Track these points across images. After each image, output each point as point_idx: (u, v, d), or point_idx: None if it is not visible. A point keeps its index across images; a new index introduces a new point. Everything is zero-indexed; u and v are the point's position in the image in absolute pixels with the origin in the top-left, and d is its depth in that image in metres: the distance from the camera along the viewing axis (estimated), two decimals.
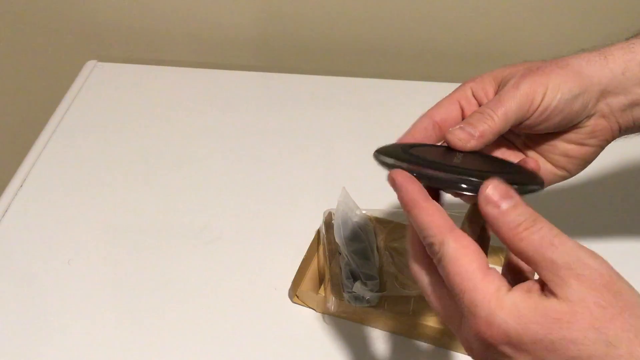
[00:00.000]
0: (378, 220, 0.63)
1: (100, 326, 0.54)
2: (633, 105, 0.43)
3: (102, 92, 0.84)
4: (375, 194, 0.69)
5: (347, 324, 0.55)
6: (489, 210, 0.33)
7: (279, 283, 0.58)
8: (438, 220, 0.34)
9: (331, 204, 0.62)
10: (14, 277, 0.58)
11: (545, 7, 0.89)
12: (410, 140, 0.41)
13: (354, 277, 0.56)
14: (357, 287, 0.55)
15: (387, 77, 0.88)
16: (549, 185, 0.45)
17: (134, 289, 0.57)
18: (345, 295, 0.55)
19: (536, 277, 0.33)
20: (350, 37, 0.94)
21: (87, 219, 0.64)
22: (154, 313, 0.55)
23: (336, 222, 0.59)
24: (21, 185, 0.67)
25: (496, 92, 0.43)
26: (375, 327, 0.55)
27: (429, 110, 0.43)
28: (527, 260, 0.32)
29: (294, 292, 0.57)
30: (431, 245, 0.33)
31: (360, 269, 0.56)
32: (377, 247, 0.60)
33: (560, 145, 0.45)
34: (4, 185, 0.67)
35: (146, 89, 0.85)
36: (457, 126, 0.40)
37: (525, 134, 0.45)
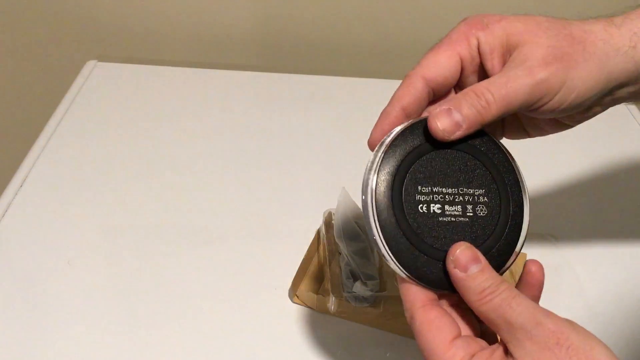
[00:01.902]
0: None
1: (100, 326, 0.54)
2: (637, 93, 0.39)
3: (102, 92, 0.84)
4: None
5: (347, 324, 0.55)
6: (456, 273, 0.33)
7: (279, 283, 0.58)
8: (413, 294, 0.34)
9: (331, 204, 0.62)
10: (14, 277, 0.58)
11: (546, 7, 0.89)
12: (398, 109, 0.37)
13: (354, 277, 0.56)
14: (357, 287, 0.55)
15: (387, 77, 0.88)
16: (508, 138, 0.42)
17: (134, 289, 0.57)
18: (345, 295, 0.55)
19: None
20: (350, 37, 0.94)
21: (87, 219, 0.64)
22: (153, 313, 0.55)
23: (336, 222, 0.59)
24: (21, 185, 0.67)
25: (503, 59, 0.37)
26: (375, 327, 0.55)
27: (420, 66, 0.37)
28: (489, 323, 0.32)
29: (294, 292, 0.57)
30: (407, 318, 0.35)
31: (360, 269, 0.56)
32: None
33: (543, 121, 0.41)
34: (4, 185, 0.67)
35: (146, 89, 0.85)
36: (443, 107, 0.34)
37: None
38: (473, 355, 0.32)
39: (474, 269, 0.33)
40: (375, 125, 0.37)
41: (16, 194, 0.66)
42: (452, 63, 0.37)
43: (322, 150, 0.76)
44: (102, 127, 0.77)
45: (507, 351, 0.31)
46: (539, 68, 0.35)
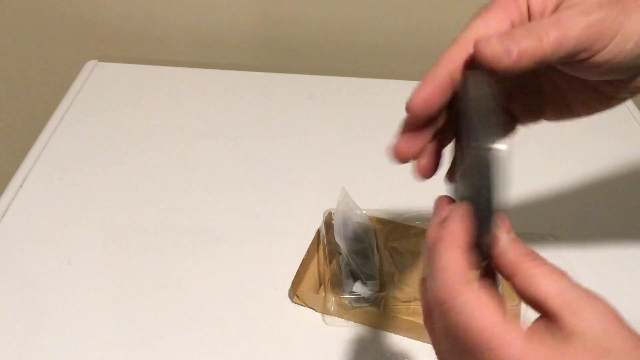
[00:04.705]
0: (378, 220, 0.63)
1: (100, 326, 0.54)
2: None
3: (102, 92, 0.84)
4: (375, 194, 0.69)
5: (347, 324, 0.55)
6: (502, 235, 0.30)
7: (279, 283, 0.58)
8: (460, 267, 0.29)
9: (331, 204, 0.62)
10: (14, 277, 0.58)
11: None
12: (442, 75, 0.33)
13: (354, 277, 0.56)
14: (357, 287, 0.55)
15: (387, 77, 0.88)
16: (548, 120, 0.39)
17: (134, 289, 0.57)
18: (345, 295, 0.55)
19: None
20: (350, 38, 0.94)
21: (87, 219, 0.64)
22: (154, 313, 0.55)
23: (336, 222, 0.59)
24: (21, 185, 0.67)
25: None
26: (375, 327, 0.55)
27: (469, 29, 0.33)
28: (535, 289, 0.29)
29: (294, 292, 0.57)
30: (439, 293, 0.29)
31: (360, 269, 0.56)
32: (377, 247, 0.60)
33: (587, 95, 0.37)
34: (4, 185, 0.67)
35: (146, 89, 0.85)
36: (495, 36, 0.31)
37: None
38: (527, 334, 0.28)
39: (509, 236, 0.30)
40: (419, 88, 0.33)
41: (16, 194, 0.66)
42: (503, 27, 0.33)
43: (322, 150, 0.76)
44: (102, 127, 0.77)
45: (547, 325, 0.28)
46: (594, 8, 0.32)
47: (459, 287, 0.29)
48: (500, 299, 0.30)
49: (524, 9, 0.34)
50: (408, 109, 0.33)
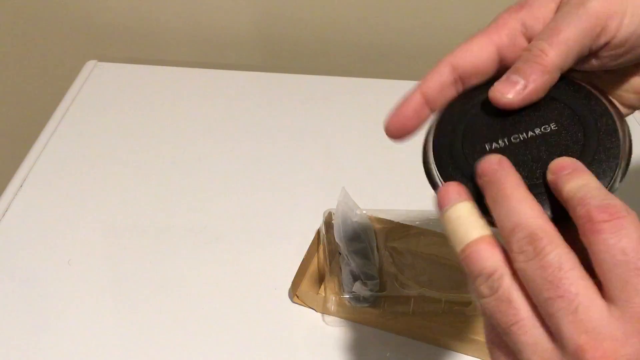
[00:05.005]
0: (378, 220, 0.63)
1: (100, 326, 0.54)
2: None
3: (102, 92, 0.84)
4: (375, 194, 0.69)
5: (347, 324, 0.55)
6: (583, 174, 0.27)
7: (279, 283, 0.58)
8: (540, 210, 0.27)
9: (331, 204, 0.62)
10: (14, 277, 0.58)
11: None
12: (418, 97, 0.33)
13: (354, 277, 0.56)
14: (357, 287, 0.55)
15: (387, 77, 0.88)
16: None
17: (134, 289, 0.57)
18: (345, 295, 0.55)
19: None
20: (350, 38, 0.94)
21: (87, 219, 0.64)
22: (154, 313, 0.55)
23: (336, 222, 0.59)
24: (21, 185, 0.67)
25: None
26: (375, 327, 0.55)
27: (451, 54, 0.33)
28: (613, 239, 0.25)
29: (294, 292, 0.57)
30: (531, 236, 0.26)
31: (360, 269, 0.56)
32: (377, 247, 0.60)
33: (633, 80, 0.35)
34: (4, 185, 0.67)
35: (146, 89, 0.85)
36: (502, 79, 0.31)
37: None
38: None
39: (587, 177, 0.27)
40: (394, 109, 0.34)
41: (16, 194, 0.66)
42: (485, 51, 0.33)
43: (322, 150, 0.76)
44: (102, 127, 0.77)
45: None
46: None
47: (554, 236, 0.26)
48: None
49: (517, 30, 0.33)
50: (386, 131, 0.34)
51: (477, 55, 0.33)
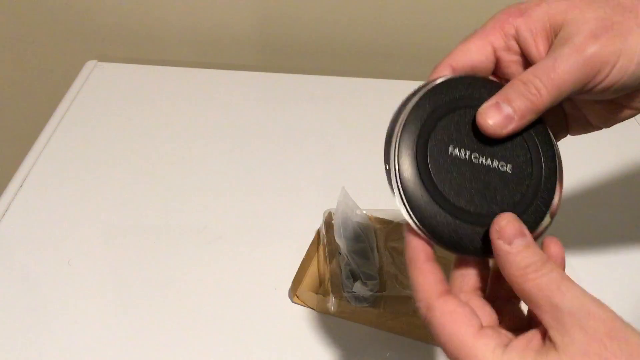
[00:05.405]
0: (378, 220, 0.63)
1: (100, 326, 0.54)
2: None
3: (102, 92, 0.84)
4: (375, 194, 0.69)
5: (347, 324, 0.55)
6: (499, 245, 0.31)
7: (279, 283, 0.58)
8: (429, 284, 0.32)
9: (331, 204, 0.62)
10: (14, 277, 0.58)
11: None
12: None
13: (354, 277, 0.56)
14: (357, 287, 0.55)
15: (387, 77, 0.88)
16: (574, 135, 0.40)
17: (134, 289, 0.57)
18: (345, 295, 0.55)
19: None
20: (350, 38, 0.94)
21: (87, 219, 0.64)
22: (154, 313, 0.55)
23: (336, 222, 0.59)
24: (21, 185, 0.67)
25: (549, 43, 0.34)
26: (376, 327, 0.55)
27: (449, 55, 0.34)
28: (531, 303, 0.30)
29: (294, 292, 0.57)
30: (420, 308, 0.32)
31: (360, 269, 0.56)
32: (377, 247, 0.60)
33: (605, 109, 0.37)
34: (4, 185, 0.67)
35: (146, 89, 0.85)
36: (490, 101, 0.32)
37: None
38: (507, 345, 0.29)
39: (519, 242, 0.30)
40: None
41: (16, 194, 0.66)
42: (482, 53, 0.34)
43: (322, 150, 0.76)
44: (102, 127, 0.77)
45: (544, 336, 0.29)
46: (588, 42, 0.31)
47: (432, 302, 0.31)
48: (483, 306, 0.32)
49: (511, 35, 0.34)
50: None
51: (475, 56, 0.34)
